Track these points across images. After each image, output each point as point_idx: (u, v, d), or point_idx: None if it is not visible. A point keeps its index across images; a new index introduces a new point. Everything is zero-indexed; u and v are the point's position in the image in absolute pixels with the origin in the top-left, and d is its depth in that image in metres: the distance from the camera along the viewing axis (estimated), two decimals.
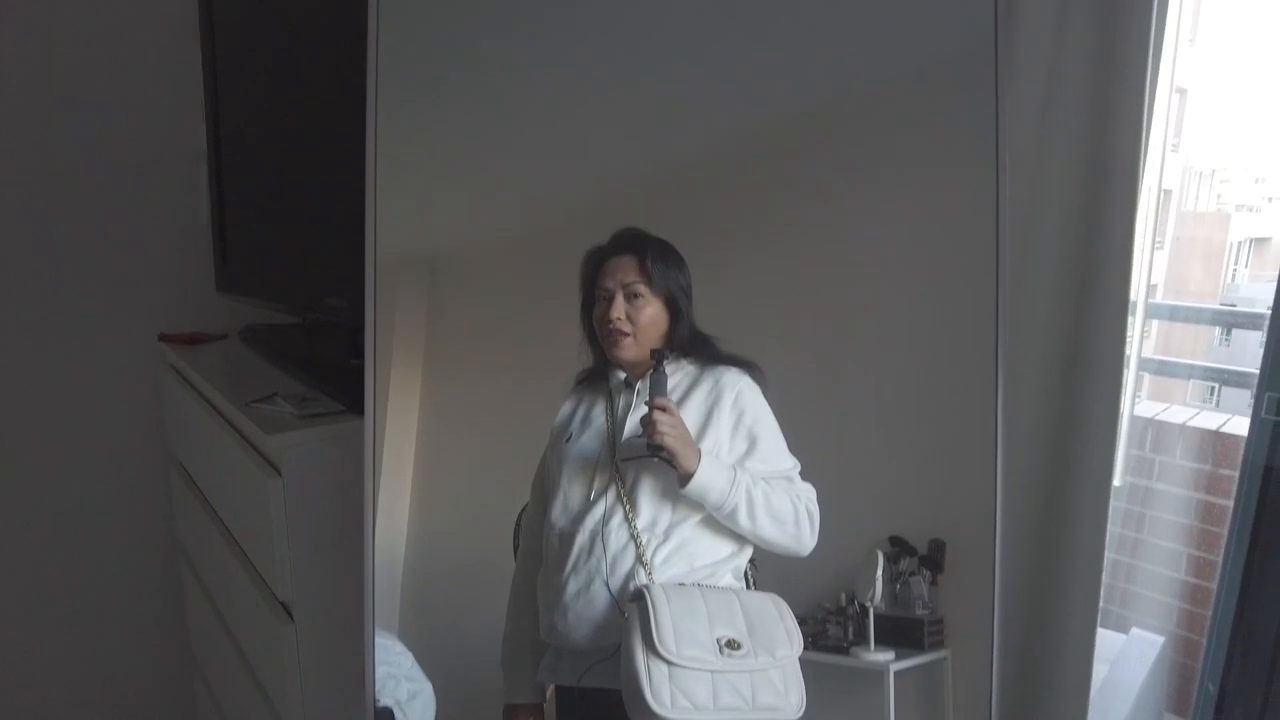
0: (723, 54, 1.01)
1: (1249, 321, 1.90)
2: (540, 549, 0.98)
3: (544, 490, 1.00)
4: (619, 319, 0.94)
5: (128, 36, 1.62)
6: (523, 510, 1.04)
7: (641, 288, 0.94)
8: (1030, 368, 1.11)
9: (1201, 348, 2.05)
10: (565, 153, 1.06)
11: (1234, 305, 2.23)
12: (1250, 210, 2.34)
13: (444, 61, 1.06)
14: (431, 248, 1.09)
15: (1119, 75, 1.05)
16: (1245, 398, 1.88)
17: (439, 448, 1.10)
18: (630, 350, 0.95)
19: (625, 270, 0.95)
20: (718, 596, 0.91)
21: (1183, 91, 1.73)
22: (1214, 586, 1.31)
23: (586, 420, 0.98)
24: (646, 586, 0.89)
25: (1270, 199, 2.33)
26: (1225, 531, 1.28)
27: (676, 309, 0.96)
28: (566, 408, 1.00)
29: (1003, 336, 0.95)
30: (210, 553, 1.39)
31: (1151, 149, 1.15)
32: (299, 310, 1.46)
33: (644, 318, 0.95)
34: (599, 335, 0.97)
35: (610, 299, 0.95)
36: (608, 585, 0.91)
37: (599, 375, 0.99)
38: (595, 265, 0.97)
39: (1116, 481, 1.14)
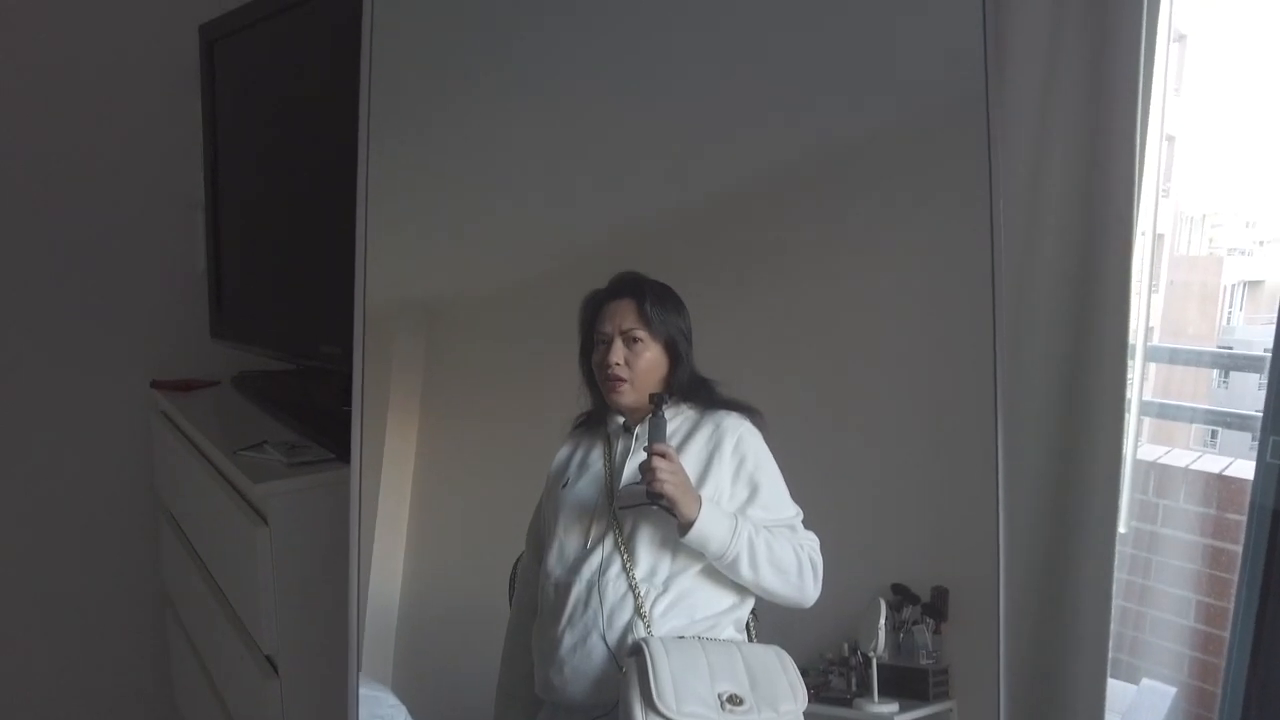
0: (719, 99, 1.02)
1: (1248, 364, 1.90)
2: (535, 600, 0.96)
3: (539, 538, 0.98)
4: (617, 364, 0.93)
5: (127, 84, 1.65)
6: (518, 559, 1.01)
7: (640, 333, 0.94)
8: (1030, 412, 1.10)
9: (1201, 391, 2.05)
10: (563, 199, 1.06)
11: (1230, 348, 2.24)
12: (1242, 254, 2.36)
13: (442, 109, 1.07)
14: (430, 294, 1.09)
15: (1109, 122, 1.06)
16: (1246, 440, 1.87)
17: (435, 495, 1.08)
18: (628, 396, 0.94)
19: (624, 315, 0.94)
20: (719, 649, 0.88)
21: (1171, 139, 1.76)
22: (1226, 634, 1.28)
23: (584, 465, 0.96)
24: (645, 640, 0.86)
25: (1261, 242, 2.36)
26: (1235, 578, 1.26)
27: (676, 353, 0.95)
28: (563, 452, 0.99)
29: (1001, 381, 0.95)
30: (196, 604, 1.36)
31: (1145, 193, 1.16)
32: (293, 357, 1.45)
33: (643, 363, 0.94)
34: (598, 380, 0.96)
35: (609, 344, 0.94)
36: (604, 639, 0.89)
37: (597, 419, 0.98)
38: (593, 309, 0.96)
39: (1122, 528, 1.13)
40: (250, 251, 1.53)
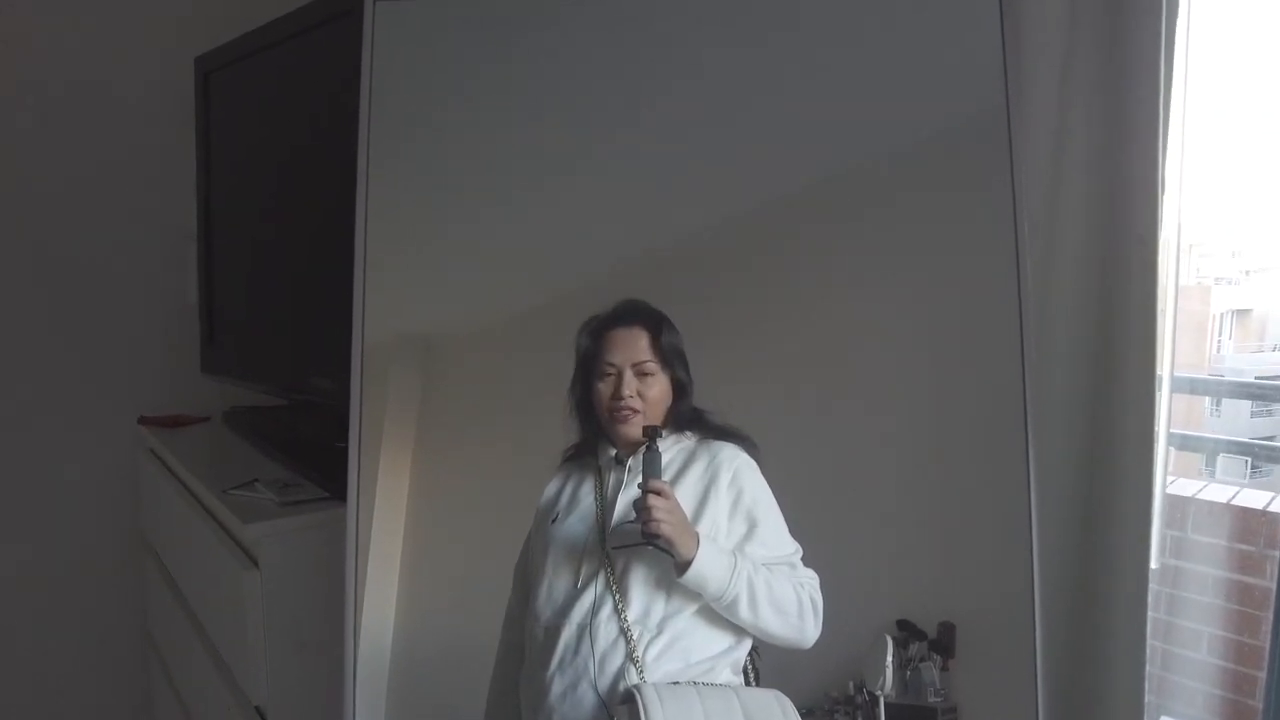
0: (724, 119, 1.00)
1: (1266, 392, 1.90)
2: (522, 642, 0.92)
3: (527, 576, 0.94)
4: (631, 396, 0.90)
5: (122, 114, 1.64)
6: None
7: (652, 365, 0.91)
8: (1055, 443, 1.07)
9: (1194, 419, 2.05)
10: (563, 230, 1.05)
11: (1221, 375, 2.25)
12: (1229, 283, 2.39)
13: (440, 141, 1.05)
14: (426, 327, 1.06)
15: (1129, 143, 1.05)
16: (1241, 466, 1.87)
17: (429, 533, 1.05)
18: (638, 427, 0.91)
19: (635, 346, 0.91)
20: (715, 696, 0.85)
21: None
22: (1260, 674, 1.24)
23: (574, 500, 0.93)
24: (638, 687, 0.83)
25: (1248, 271, 2.39)
26: (1267, 614, 1.22)
27: (681, 386, 0.92)
28: (552, 487, 0.95)
29: (1031, 412, 0.92)
30: (182, 651, 1.31)
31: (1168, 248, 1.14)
32: (285, 392, 1.42)
33: (654, 394, 0.91)
34: (600, 410, 0.93)
35: (619, 375, 0.91)
36: (595, 687, 0.85)
37: (587, 451, 0.94)
38: (596, 337, 0.93)
39: (1154, 564, 1.10)
40: (242, 284, 1.51)
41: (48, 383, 1.62)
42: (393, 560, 1.00)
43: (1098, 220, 1.08)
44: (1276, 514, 1.57)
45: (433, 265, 1.06)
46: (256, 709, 1.03)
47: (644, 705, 0.81)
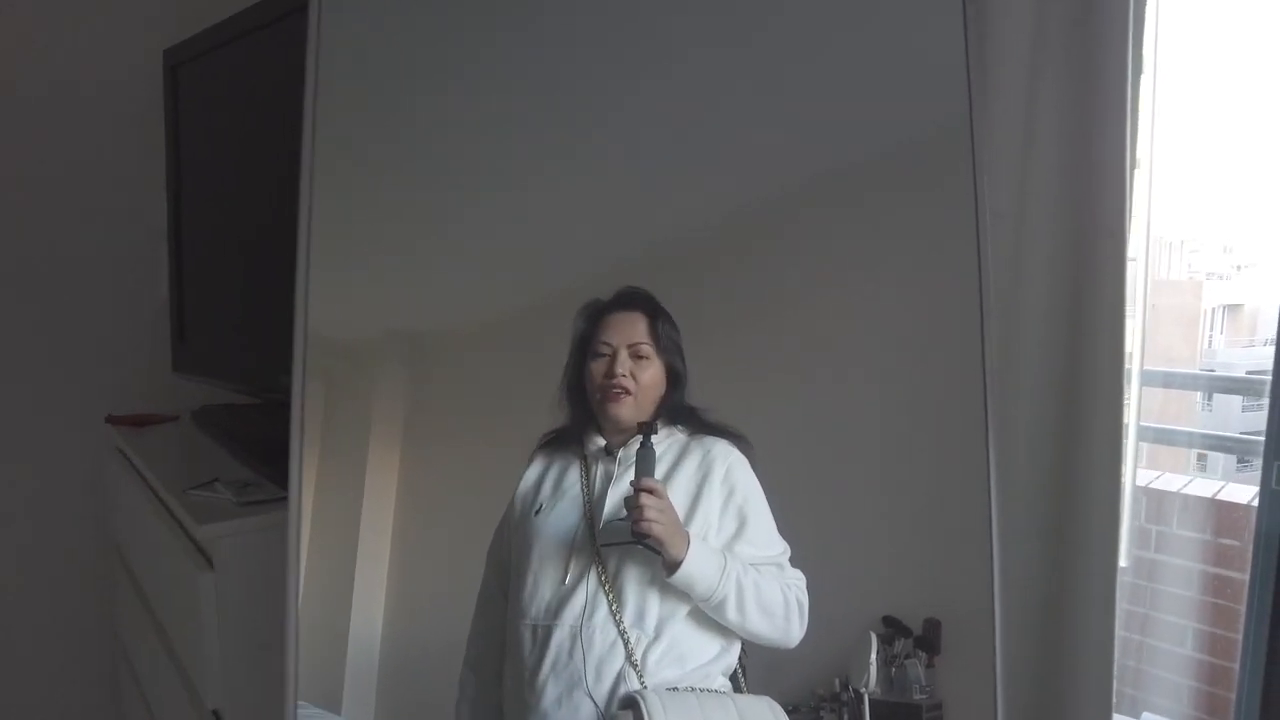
0: (697, 126, 1.01)
1: (1235, 386, 1.91)
2: (498, 630, 0.89)
3: (502, 565, 0.91)
4: (623, 376, 0.89)
5: (89, 109, 1.61)
6: None
7: (648, 349, 0.90)
8: (1026, 438, 1.07)
9: (1184, 415, 2.06)
10: (548, 231, 1.04)
11: (1212, 370, 2.27)
12: (1221, 278, 2.41)
13: (427, 138, 1.04)
14: (413, 325, 1.05)
15: (1099, 130, 1.05)
16: (1232, 463, 1.87)
17: (418, 532, 1.03)
18: (629, 409, 0.89)
19: (633, 328, 0.90)
20: (714, 703, 0.83)
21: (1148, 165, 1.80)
22: (1234, 666, 1.24)
23: (558, 490, 0.91)
24: (641, 694, 0.81)
25: (1239, 267, 2.41)
26: (1242, 607, 1.22)
27: (676, 376, 0.91)
28: (532, 474, 0.92)
29: (991, 408, 0.92)
30: (147, 655, 1.29)
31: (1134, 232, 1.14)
32: (256, 391, 1.40)
33: (647, 378, 0.90)
34: (591, 392, 0.91)
35: (612, 355, 0.90)
36: (591, 695, 0.83)
37: (570, 438, 0.92)
38: (593, 320, 0.92)
39: (1123, 561, 1.10)
40: (214, 281, 1.49)
41: (17, 382, 1.59)
42: (381, 559, 0.98)
43: (1068, 213, 1.08)
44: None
45: (422, 263, 1.04)
46: (214, 713, 1.01)
47: (648, 712, 0.79)
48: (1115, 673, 1.08)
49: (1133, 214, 1.09)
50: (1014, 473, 1.03)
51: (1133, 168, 1.09)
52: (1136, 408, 1.27)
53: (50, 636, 1.66)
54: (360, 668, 0.95)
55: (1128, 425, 1.09)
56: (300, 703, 0.88)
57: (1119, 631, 1.52)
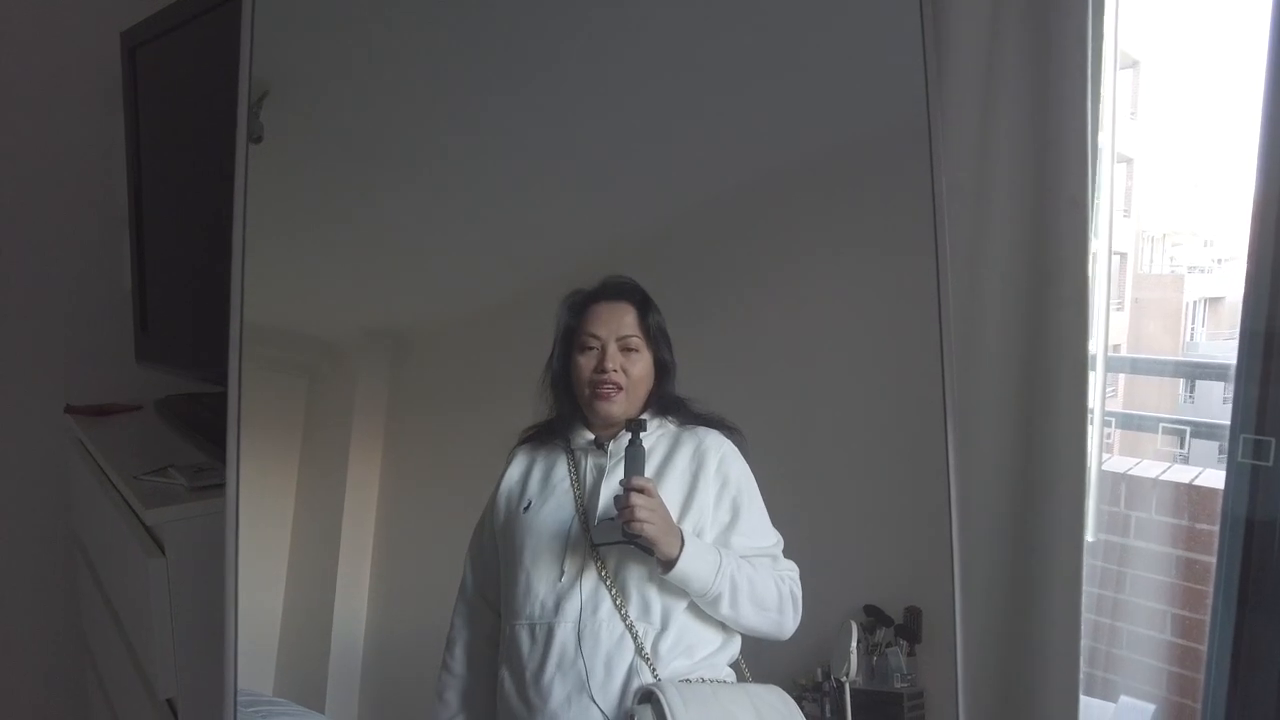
0: (663, 123, 1.00)
1: (1211, 373, 1.92)
2: (485, 637, 0.87)
3: (485, 563, 0.89)
4: (614, 370, 0.86)
5: (46, 93, 1.58)
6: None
7: (637, 340, 0.88)
8: (991, 424, 1.07)
9: (1167, 403, 2.06)
10: (528, 225, 1.02)
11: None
12: (1202, 272, 2.44)
13: (413, 132, 1.02)
14: (395, 320, 1.03)
15: (1056, 112, 1.04)
16: (1213, 450, 1.87)
17: (402, 525, 1.01)
18: (620, 405, 0.87)
19: (621, 319, 0.88)
20: (729, 694, 0.83)
21: (1129, 161, 1.80)
22: (1204, 648, 1.23)
23: (546, 486, 0.88)
24: (658, 686, 0.79)
25: (1220, 260, 2.43)
26: (1210, 589, 1.22)
27: (665, 367, 0.89)
28: (516, 470, 0.90)
29: (951, 393, 0.92)
30: (107, 647, 1.26)
31: (1101, 212, 1.14)
32: (220, 379, 1.37)
33: (638, 371, 0.87)
34: (579, 386, 0.88)
35: (602, 349, 0.87)
36: (596, 698, 0.81)
37: (555, 433, 0.90)
38: (578, 311, 0.89)
39: (1089, 537, 1.09)
40: (177, 269, 1.45)
41: None
42: (364, 552, 0.97)
43: (1030, 183, 1.07)
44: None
45: (402, 259, 1.03)
46: (167, 702, 0.98)
47: (668, 705, 0.78)
48: (1083, 654, 1.07)
49: (1122, 211, 1.09)
50: (980, 454, 1.01)
51: (1095, 151, 1.08)
52: (1102, 391, 1.27)
53: (13, 632, 1.63)
54: (343, 666, 0.93)
55: (1092, 411, 1.08)
56: (283, 700, 0.86)
57: (1094, 617, 1.52)
